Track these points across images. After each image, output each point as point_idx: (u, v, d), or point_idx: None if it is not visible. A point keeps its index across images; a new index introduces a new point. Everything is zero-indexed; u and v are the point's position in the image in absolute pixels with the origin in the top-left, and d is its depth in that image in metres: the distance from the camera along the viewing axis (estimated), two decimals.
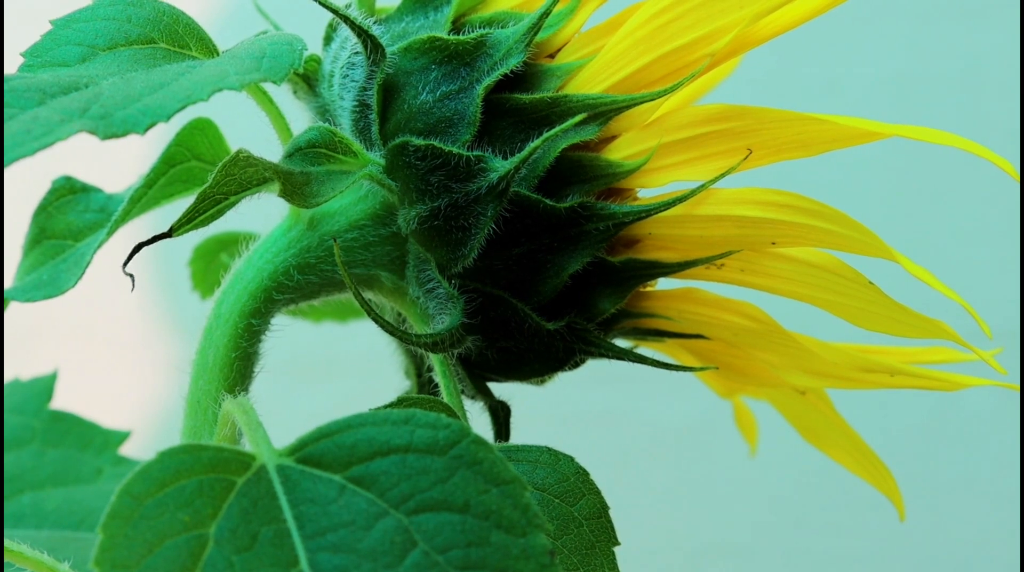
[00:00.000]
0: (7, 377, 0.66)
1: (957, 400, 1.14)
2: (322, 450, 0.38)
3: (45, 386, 0.65)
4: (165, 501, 0.36)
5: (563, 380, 0.50)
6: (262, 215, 0.49)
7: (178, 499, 0.37)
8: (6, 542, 0.44)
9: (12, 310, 0.51)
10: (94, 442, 0.65)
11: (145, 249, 0.65)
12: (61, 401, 0.66)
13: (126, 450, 0.65)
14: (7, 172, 0.39)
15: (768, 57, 1.16)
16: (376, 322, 0.45)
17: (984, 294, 1.12)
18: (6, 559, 0.44)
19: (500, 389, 0.51)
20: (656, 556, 1.18)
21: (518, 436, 0.51)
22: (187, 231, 0.44)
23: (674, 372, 0.49)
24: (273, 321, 0.47)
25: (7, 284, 0.51)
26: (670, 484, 1.24)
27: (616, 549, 0.44)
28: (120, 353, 1.29)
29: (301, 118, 0.50)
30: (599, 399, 1.19)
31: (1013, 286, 1.11)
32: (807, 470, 1.04)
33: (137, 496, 0.36)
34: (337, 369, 1.03)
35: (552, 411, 1.05)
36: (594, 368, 0.52)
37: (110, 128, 0.36)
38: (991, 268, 1.15)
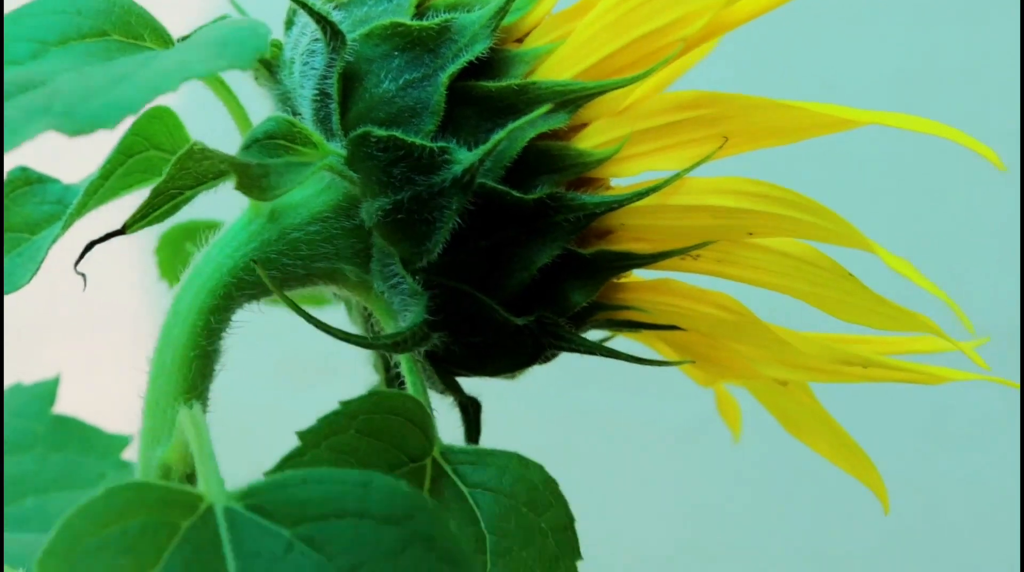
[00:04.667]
0: (9, 380, 0.65)
1: (957, 401, 1.14)
2: (275, 500, 0.36)
3: (47, 390, 0.65)
4: (107, 542, 0.35)
5: (554, 379, 0.49)
6: (234, 202, 0.48)
7: (119, 541, 0.35)
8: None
9: (12, 311, 0.50)
10: (97, 447, 0.65)
11: (147, 248, 0.63)
12: (61, 402, 0.65)
13: (128, 455, 0.65)
14: None
15: (769, 58, 1.15)
16: (318, 327, 0.44)
17: (984, 294, 1.11)
18: None
19: (489, 387, 0.50)
20: (652, 556, 1.18)
21: (507, 438, 0.49)
22: (142, 228, 0.42)
23: (665, 371, 0.48)
24: (235, 317, 0.46)
25: None
26: (663, 483, 1.23)
27: (587, 557, 0.43)
28: (121, 355, 1.28)
29: (264, 105, 0.49)
30: (600, 401, 1.18)
31: (1013, 286, 1.10)
32: (805, 470, 1.04)
33: (78, 534, 0.35)
34: (334, 369, 1.02)
35: (543, 412, 1.04)
36: (587, 367, 0.51)
37: (77, 124, 0.34)
38: (991, 268, 1.14)
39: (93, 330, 1.23)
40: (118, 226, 0.42)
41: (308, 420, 0.42)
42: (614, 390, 1.12)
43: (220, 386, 0.46)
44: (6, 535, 0.45)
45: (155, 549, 0.35)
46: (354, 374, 0.51)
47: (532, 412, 0.48)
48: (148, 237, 0.51)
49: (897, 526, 1.07)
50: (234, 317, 0.45)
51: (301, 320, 0.60)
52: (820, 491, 1.17)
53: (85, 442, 0.64)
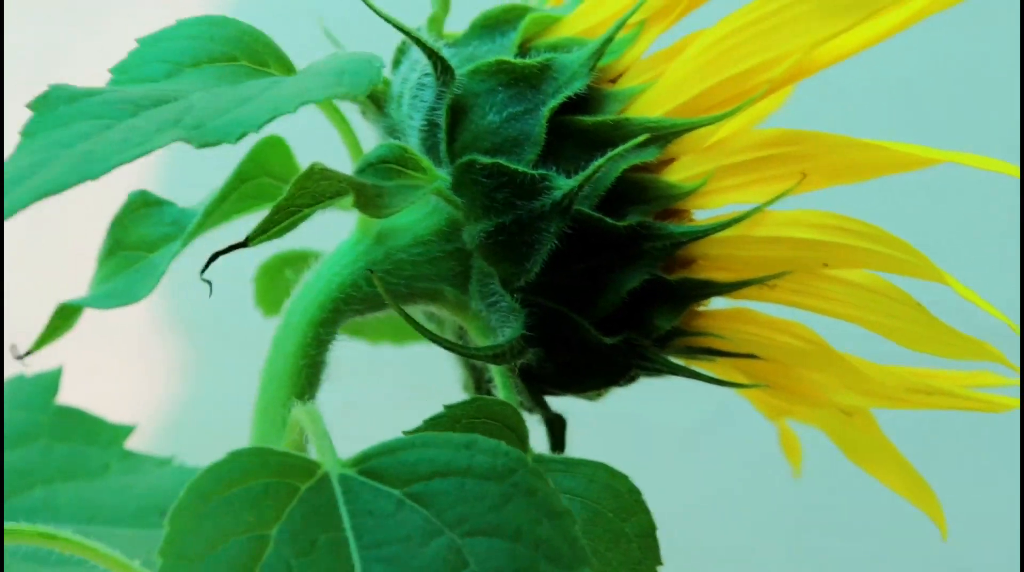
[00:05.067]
0: (11, 372, 0.67)
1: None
2: (384, 464, 0.40)
3: (50, 381, 0.66)
4: (231, 500, 0.38)
5: None
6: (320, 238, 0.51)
7: (244, 500, 0.38)
8: (70, 535, 0.46)
9: (13, 309, 0.53)
10: (101, 436, 0.66)
11: None
12: (64, 398, 0.66)
13: (131, 445, 0.66)
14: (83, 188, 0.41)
15: None
16: (433, 341, 0.47)
17: (984, 294, 1.12)
18: (79, 554, 0.46)
19: None
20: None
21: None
22: (262, 241, 0.45)
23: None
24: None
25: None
26: (663, 484, 1.24)
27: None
28: (122, 350, 1.30)
29: (368, 139, 0.52)
30: (603, 401, 1.19)
31: (1013, 286, 1.11)
32: (809, 472, 1.04)
33: (205, 493, 0.38)
34: (333, 375, 1.03)
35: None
36: None
37: (203, 137, 0.38)
38: (991, 268, 1.15)
39: (99, 332, 1.26)
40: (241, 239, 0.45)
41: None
42: (615, 392, 1.14)
43: (229, 392, 0.47)
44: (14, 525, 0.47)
45: (276, 507, 0.38)
46: (353, 378, 0.53)
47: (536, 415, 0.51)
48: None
49: (897, 526, 1.08)
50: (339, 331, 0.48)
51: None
52: (820, 491, 1.18)
53: (89, 432, 0.66)
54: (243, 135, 0.38)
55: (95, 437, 0.66)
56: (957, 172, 1.13)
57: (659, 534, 0.46)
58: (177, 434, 1.29)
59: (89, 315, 0.54)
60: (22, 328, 0.59)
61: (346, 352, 0.49)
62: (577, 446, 0.49)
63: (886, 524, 1.11)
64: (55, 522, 0.61)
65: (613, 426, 1.23)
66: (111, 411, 0.69)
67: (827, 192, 0.47)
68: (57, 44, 1.37)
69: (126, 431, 0.66)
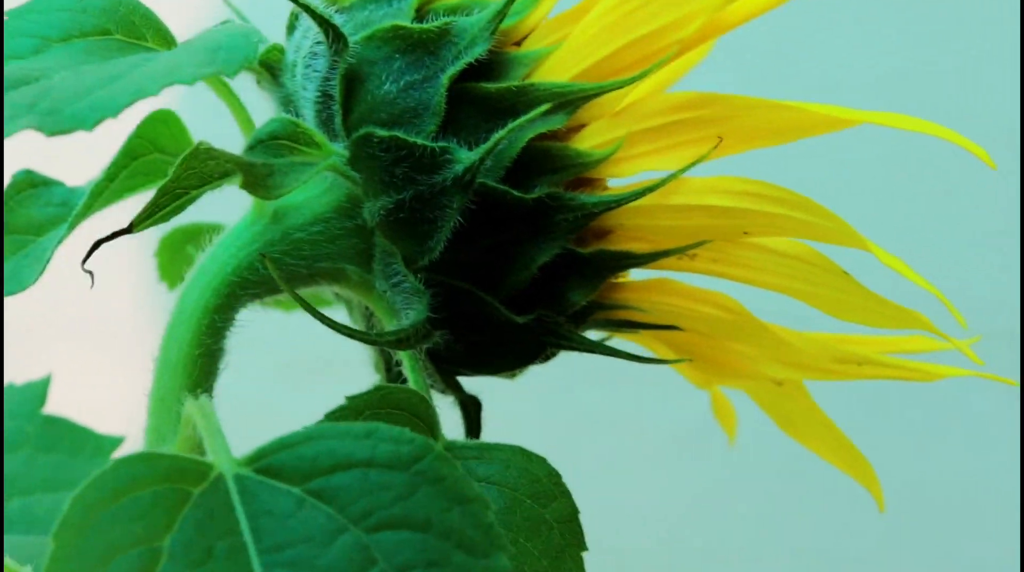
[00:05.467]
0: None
1: (957, 400, 1.14)
2: (281, 461, 0.37)
3: (38, 391, 0.65)
4: (119, 512, 0.36)
5: (555, 381, 0.50)
6: (232, 206, 0.49)
7: (132, 510, 0.36)
8: None
9: (9, 312, 0.50)
10: (87, 447, 0.64)
11: (138, 249, 0.64)
12: (53, 403, 0.65)
13: (118, 456, 0.64)
14: None
15: (768, 58, 1.16)
16: (331, 327, 0.44)
17: (984, 294, 1.11)
18: None
19: (490, 388, 0.50)
20: (659, 557, 1.18)
21: (505, 436, 0.50)
22: (148, 227, 0.43)
23: (664, 372, 0.49)
24: (239, 316, 0.46)
25: None
26: (662, 484, 1.23)
27: (584, 554, 0.44)
28: (111, 355, 1.28)
29: (266, 107, 0.49)
30: (600, 401, 1.18)
31: (1013, 286, 1.10)
32: (804, 471, 1.04)
33: (90, 505, 0.36)
34: (335, 371, 1.02)
35: (543, 414, 1.04)
36: (587, 369, 0.51)
37: (57, 124, 0.35)
38: (991, 268, 1.15)
39: (89, 332, 1.23)
40: (124, 225, 0.43)
41: (305, 420, 0.42)
42: (611, 390, 1.12)
43: (219, 386, 0.46)
44: None
45: (168, 516, 0.35)
46: (350, 374, 0.51)
47: (529, 412, 0.49)
48: (144, 239, 0.51)
49: (897, 526, 1.08)
50: (237, 316, 0.46)
51: (297, 321, 0.61)
52: (819, 491, 1.18)
53: (75, 443, 0.64)
54: (100, 121, 0.35)
55: (81, 448, 0.64)
56: (957, 173, 1.12)
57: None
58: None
59: (84, 317, 0.52)
60: None
61: (343, 352, 0.47)
62: (574, 445, 0.47)
63: (886, 523, 1.10)
64: (31, 533, 0.60)
65: (612, 427, 1.22)
66: (104, 417, 0.67)
67: (827, 193, 0.45)
68: None
69: (114, 442, 0.65)
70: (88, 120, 0.35)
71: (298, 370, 1.18)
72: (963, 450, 1.17)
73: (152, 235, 0.51)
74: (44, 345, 1.20)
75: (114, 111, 0.35)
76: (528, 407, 0.49)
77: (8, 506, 0.62)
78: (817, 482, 1.15)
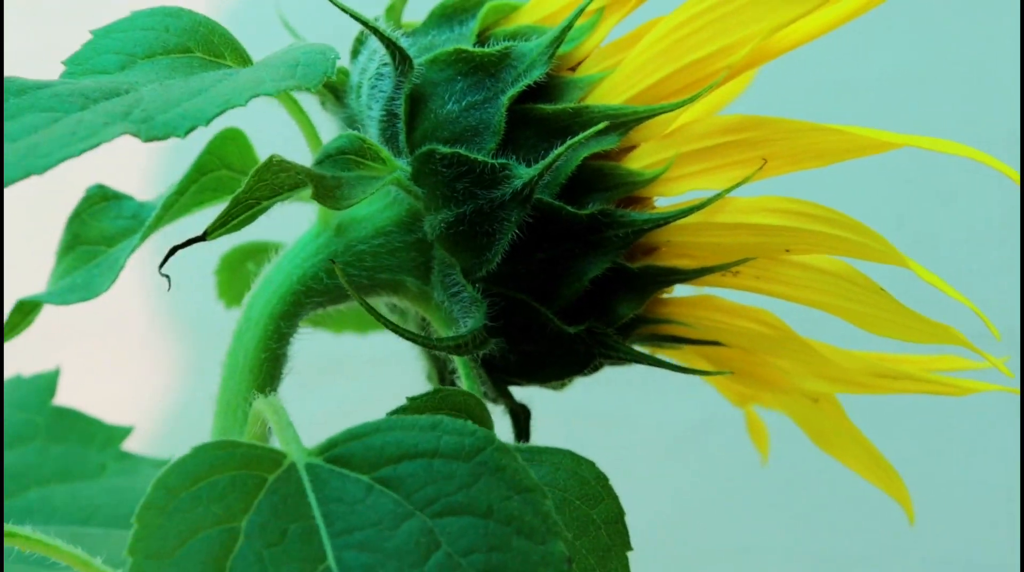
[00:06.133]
0: (9, 374, 0.67)
1: (957, 400, 1.15)
2: (351, 451, 0.39)
3: (47, 382, 0.66)
4: (199, 494, 0.38)
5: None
6: (283, 228, 0.51)
7: (211, 493, 0.38)
8: (42, 537, 0.45)
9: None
10: (97, 438, 0.66)
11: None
12: (62, 400, 0.66)
13: (128, 446, 0.66)
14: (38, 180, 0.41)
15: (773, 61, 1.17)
16: (394, 331, 0.46)
17: (984, 294, 1.12)
18: (41, 552, 0.45)
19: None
20: (658, 558, 1.18)
21: (510, 437, 0.52)
22: (220, 235, 0.45)
23: (682, 375, 0.50)
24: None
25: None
26: (672, 486, 1.24)
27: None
28: (120, 352, 1.29)
29: (328, 129, 0.51)
30: (600, 401, 1.19)
31: (1013, 286, 1.11)
32: (808, 471, 1.05)
33: (172, 489, 0.38)
34: (344, 370, 1.03)
35: (554, 413, 1.05)
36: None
37: (151, 131, 0.37)
38: (991, 269, 1.15)
39: (99, 333, 1.25)
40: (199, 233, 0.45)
41: (308, 419, 0.44)
42: (614, 390, 1.13)
43: None
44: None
45: (245, 499, 0.38)
46: (353, 375, 0.53)
47: (534, 412, 0.51)
48: (150, 242, 0.53)
49: (897, 526, 1.08)
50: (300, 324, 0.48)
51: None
52: (819, 491, 1.18)
53: (85, 433, 0.65)
54: (192, 129, 0.37)
55: (91, 438, 0.66)
56: (958, 173, 1.13)
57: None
58: (176, 434, 1.28)
59: (88, 315, 0.53)
60: None
61: (347, 354, 0.48)
62: (575, 445, 0.48)
63: (885, 523, 1.11)
64: (50, 523, 0.61)
65: (610, 427, 1.23)
66: (110, 411, 0.68)
67: (827, 194, 0.47)
68: (58, 44, 1.36)
69: (123, 432, 0.66)
70: (180, 127, 0.37)
71: (297, 369, 1.20)
72: (963, 450, 1.18)
73: (155, 238, 0.52)
74: (51, 342, 1.21)
75: (205, 120, 0.38)
76: (530, 406, 0.51)
77: (26, 496, 0.63)
78: (817, 481, 1.16)
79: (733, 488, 1.23)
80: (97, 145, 0.37)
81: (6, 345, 0.55)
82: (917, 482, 1.12)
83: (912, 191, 1.20)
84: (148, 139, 0.38)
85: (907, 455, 0.52)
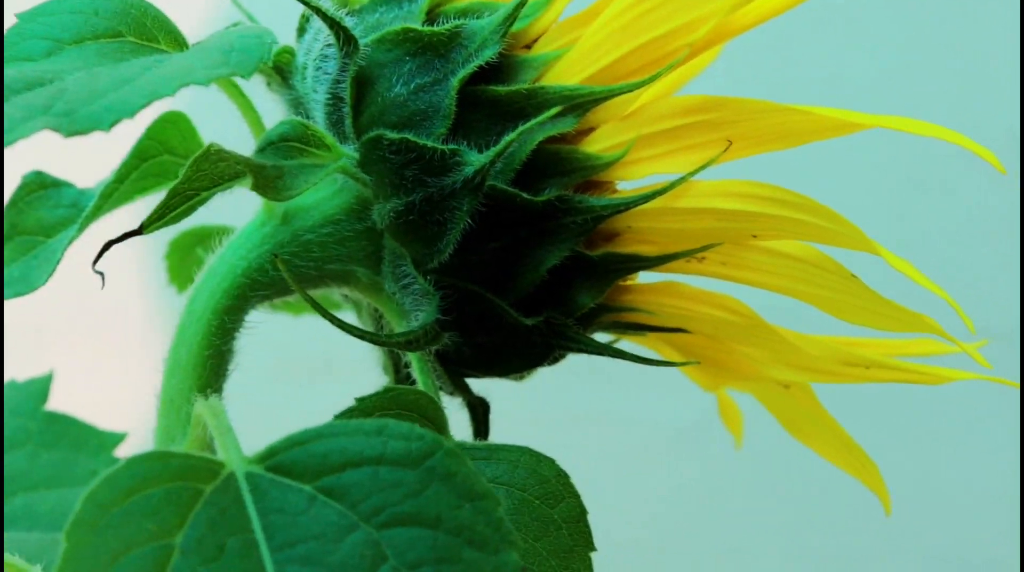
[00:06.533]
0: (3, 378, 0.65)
1: (957, 400, 1.14)
2: (292, 459, 0.37)
3: (41, 387, 0.65)
4: (131, 510, 0.36)
5: (555, 379, 0.50)
6: (239, 209, 0.49)
7: (144, 507, 0.36)
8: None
9: (8, 311, 0.51)
10: (89, 444, 0.64)
11: (143, 249, 0.64)
12: (57, 403, 0.65)
13: (122, 452, 0.64)
14: None
15: (768, 56, 1.16)
16: (339, 327, 0.44)
17: (984, 294, 1.11)
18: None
19: (490, 387, 0.50)
20: (656, 558, 1.18)
21: (508, 436, 0.50)
22: (158, 228, 0.43)
23: (664, 371, 0.49)
24: (249, 318, 0.46)
25: None
26: (669, 485, 1.23)
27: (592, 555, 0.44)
28: (117, 355, 1.28)
29: (276, 110, 0.49)
30: (593, 399, 1.18)
31: (1013, 286, 1.10)
32: (804, 470, 1.04)
33: (103, 504, 0.36)
34: (335, 371, 1.02)
35: (543, 411, 1.04)
36: (587, 367, 0.51)
37: (74, 125, 0.35)
38: (991, 268, 1.15)
39: (94, 333, 1.23)
40: (134, 227, 0.43)
41: (307, 419, 0.42)
42: (613, 389, 1.13)
43: (227, 394, 0.46)
44: None
45: (180, 513, 0.36)
46: (352, 375, 0.51)
47: (526, 410, 0.49)
48: (148, 239, 0.51)
49: (896, 526, 1.08)
50: (247, 318, 0.46)
51: (298, 321, 0.61)
52: (819, 490, 1.18)
53: (78, 439, 0.64)
54: (116, 122, 0.35)
55: (84, 444, 0.64)
56: (958, 173, 1.12)
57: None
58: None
59: (83, 318, 0.52)
60: None
61: (344, 353, 0.46)
62: (575, 444, 0.47)
63: (885, 523, 1.11)
64: (33, 530, 0.60)
65: (609, 426, 1.22)
66: (108, 415, 0.67)
67: (827, 194, 0.45)
68: None
69: (116, 438, 0.65)
70: (104, 121, 0.35)
71: (299, 370, 1.19)
72: (963, 450, 1.17)
73: (158, 236, 0.51)
74: (47, 345, 1.20)
75: (130, 112, 0.35)
76: (524, 405, 0.49)
77: (11, 503, 0.62)
78: (817, 480, 1.15)
79: (731, 487, 1.23)
80: (15, 141, 0.35)
81: None
82: (916, 481, 1.12)
83: (912, 191, 1.19)
84: (70, 134, 0.35)
85: (906, 454, 0.51)
